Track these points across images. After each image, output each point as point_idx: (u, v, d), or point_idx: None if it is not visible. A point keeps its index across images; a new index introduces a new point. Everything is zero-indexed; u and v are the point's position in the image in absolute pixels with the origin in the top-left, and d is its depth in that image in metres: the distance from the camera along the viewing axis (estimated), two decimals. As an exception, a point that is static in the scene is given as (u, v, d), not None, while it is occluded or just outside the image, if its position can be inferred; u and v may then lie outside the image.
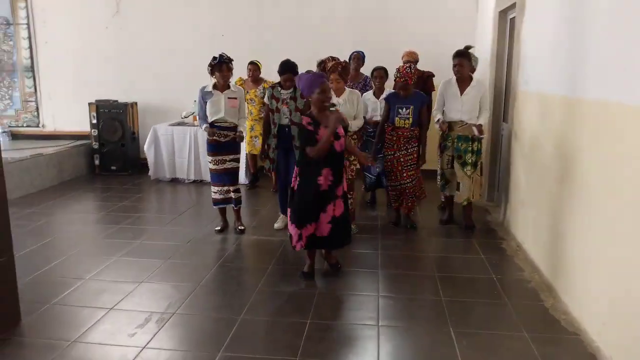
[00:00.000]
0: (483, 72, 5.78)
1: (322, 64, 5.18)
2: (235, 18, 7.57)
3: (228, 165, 4.75)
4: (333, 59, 4.76)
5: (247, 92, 6.34)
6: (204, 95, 4.64)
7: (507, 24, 5.70)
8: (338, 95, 4.61)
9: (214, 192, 4.84)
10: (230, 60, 4.60)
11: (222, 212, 4.96)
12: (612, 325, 2.70)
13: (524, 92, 4.62)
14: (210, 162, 4.79)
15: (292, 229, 3.77)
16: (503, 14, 5.73)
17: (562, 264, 3.46)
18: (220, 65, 4.53)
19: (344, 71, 4.67)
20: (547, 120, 3.91)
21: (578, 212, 3.22)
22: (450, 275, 3.99)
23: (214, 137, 4.66)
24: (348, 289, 3.77)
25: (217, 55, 4.55)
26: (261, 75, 6.52)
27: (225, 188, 4.81)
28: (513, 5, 5.15)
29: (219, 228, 4.92)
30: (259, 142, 6.16)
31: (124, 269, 4.10)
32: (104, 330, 3.14)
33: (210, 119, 4.65)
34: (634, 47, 2.58)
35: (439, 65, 6.05)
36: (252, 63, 6.43)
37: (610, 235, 2.76)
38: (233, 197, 4.87)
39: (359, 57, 5.98)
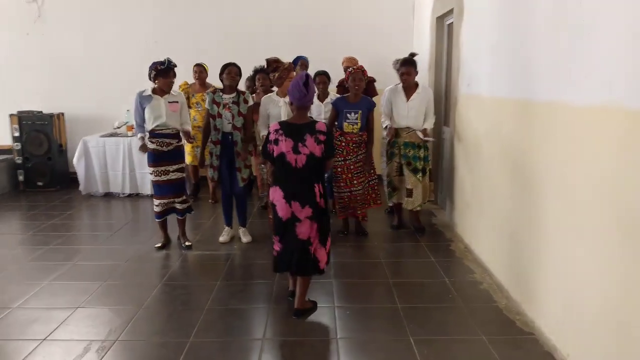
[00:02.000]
0: (422, 78, 5.84)
1: (274, 63, 5.07)
2: (170, 23, 7.29)
3: (172, 176, 4.46)
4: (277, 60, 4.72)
5: (193, 95, 6.07)
6: (142, 101, 4.35)
7: (444, 30, 5.81)
8: (283, 96, 4.52)
9: (156, 205, 4.52)
10: (175, 65, 4.38)
11: (163, 225, 4.65)
12: (567, 324, 2.73)
13: (465, 96, 4.69)
14: (151, 174, 4.48)
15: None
16: (440, 20, 5.84)
17: (513, 265, 3.50)
18: (168, 72, 4.29)
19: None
20: (492, 122, 3.97)
21: (528, 212, 3.26)
22: (403, 280, 3.95)
23: (154, 148, 4.40)
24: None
25: (163, 60, 4.28)
26: (208, 81, 6.26)
27: (167, 200, 4.51)
28: (450, 12, 5.24)
29: (159, 245, 4.62)
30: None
31: (57, 294, 3.75)
32: (36, 365, 2.83)
33: (150, 126, 4.35)
34: (576, 48, 2.63)
35: (377, 71, 6.07)
36: (198, 65, 6.15)
37: (562, 234, 2.80)
38: (178, 207, 4.58)
39: (305, 65, 5.87)
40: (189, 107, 6.05)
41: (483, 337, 3.05)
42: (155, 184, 4.49)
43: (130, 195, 6.69)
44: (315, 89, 3.49)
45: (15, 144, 6.95)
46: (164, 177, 4.42)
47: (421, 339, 3.04)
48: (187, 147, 6.12)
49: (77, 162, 6.65)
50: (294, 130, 3.21)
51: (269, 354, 2.95)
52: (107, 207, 6.37)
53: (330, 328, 3.23)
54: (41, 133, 6.94)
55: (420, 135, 4.75)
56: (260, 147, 3.88)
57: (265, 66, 5.27)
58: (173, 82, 4.40)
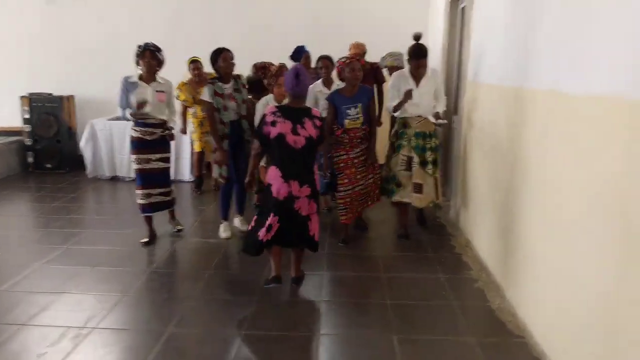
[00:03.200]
0: (435, 64, 5.63)
1: (262, 69, 4.91)
2: (184, 8, 7.21)
3: (154, 165, 4.32)
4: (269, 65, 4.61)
5: (198, 92, 5.88)
6: (129, 86, 4.22)
7: (458, 14, 5.57)
8: (280, 101, 4.34)
9: (139, 197, 4.38)
10: (156, 49, 4.23)
11: (149, 220, 4.46)
12: (558, 330, 2.57)
13: (474, 84, 4.47)
14: (133, 161, 4.36)
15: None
16: (454, 3, 5.59)
17: (508, 263, 3.33)
18: (144, 53, 4.15)
19: None
20: (498, 112, 3.76)
21: (523, 208, 3.08)
22: (396, 275, 3.81)
23: (137, 136, 4.28)
24: (289, 294, 3.53)
25: (141, 44, 4.20)
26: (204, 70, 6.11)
27: (150, 191, 4.36)
28: (463, -5, 5.01)
29: (145, 240, 4.40)
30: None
31: (45, 277, 3.74)
32: (10, 350, 2.80)
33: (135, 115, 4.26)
34: (581, 37, 2.44)
35: (389, 56, 5.89)
36: (194, 61, 5.87)
37: (556, 233, 2.62)
38: (157, 200, 4.41)
39: (308, 57, 5.67)
40: (197, 104, 5.88)
41: (471, 339, 2.91)
42: (138, 173, 4.35)
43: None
44: (307, 80, 3.32)
45: (26, 125, 7.00)
46: (145, 166, 4.29)
47: (406, 338, 2.92)
48: (197, 134, 6.01)
49: (84, 145, 6.67)
50: (292, 113, 3.29)
51: (246, 348, 2.87)
52: (112, 191, 6.38)
53: (314, 323, 3.14)
54: (51, 115, 6.97)
55: (432, 118, 4.40)
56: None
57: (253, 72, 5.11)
58: (154, 66, 4.23)
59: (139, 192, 4.36)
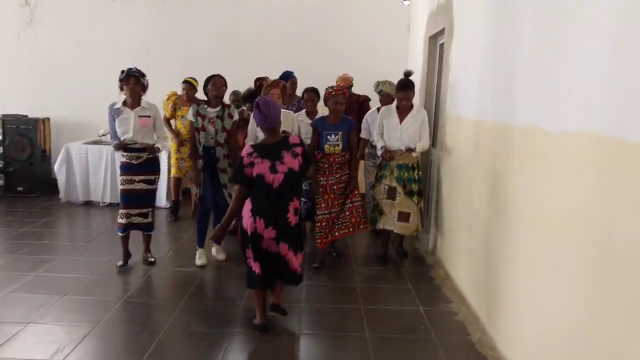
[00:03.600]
0: (414, 98, 5.71)
1: (259, 80, 4.99)
2: (161, 31, 7.21)
3: (136, 186, 4.29)
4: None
5: (180, 107, 5.89)
6: (114, 113, 4.23)
7: (437, 50, 5.69)
8: None
9: (120, 216, 4.35)
10: (140, 74, 4.21)
11: (125, 241, 4.40)
12: (539, 365, 2.55)
13: (452, 117, 4.54)
14: (119, 182, 4.40)
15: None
16: (433, 39, 5.73)
17: (488, 296, 3.32)
18: (128, 79, 4.14)
19: (284, 89, 4.48)
20: (475, 146, 3.81)
21: (502, 241, 3.09)
22: (376, 308, 3.76)
23: (125, 160, 4.29)
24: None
25: (124, 69, 4.18)
26: (196, 95, 6.09)
27: (130, 211, 4.32)
28: (442, 31, 5.13)
29: (120, 263, 4.38)
30: (186, 164, 5.72)
31: (12, 307, 3.57)
32: (-31, 385, 2.65)
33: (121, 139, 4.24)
34: (555, 73, 2.50)
35: (371, 90, 5.95)
36: (186, 82, 5.87)
37: (535, 265, 2.63)
38: (135, 221, 4.35)
39: (295, 82, 5.72)
40: (174, 117, 5.91)
41: (451, 374, 2.87)
42: (121, 193, 4.36)
43: (110, 205, 6.51)
44: (274, 109, 3.25)
45: (-3, 147, 6.83)
46: (127, 186, 4.28)
47: (385, 373, 2.86)
48: (173, 159, 5.98)
49: (58, 169, 6.53)
50: (269, 150, 3.19)
51: (221, 383, 2.77)
52: (85, 216, 6.21)
53: (292, 356, 3.06)
54: (24, 137, 6.80)
55: (411, 145, 4.48)
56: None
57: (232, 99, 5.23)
58: (138, 91, 4.22)
59: (120, 211, 4.37)
